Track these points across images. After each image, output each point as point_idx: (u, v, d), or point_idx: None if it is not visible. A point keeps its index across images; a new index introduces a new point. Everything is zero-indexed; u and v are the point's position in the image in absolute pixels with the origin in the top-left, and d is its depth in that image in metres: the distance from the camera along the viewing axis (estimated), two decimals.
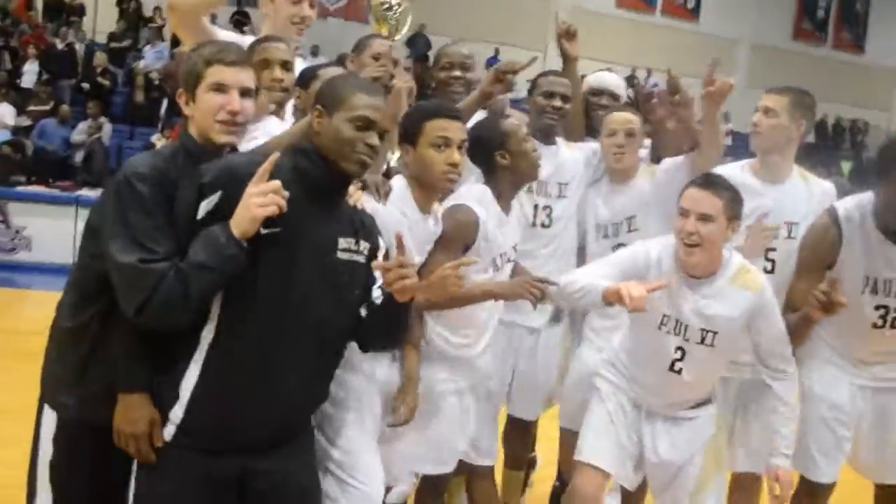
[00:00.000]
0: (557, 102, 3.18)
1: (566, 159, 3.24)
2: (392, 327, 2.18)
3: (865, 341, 2.82)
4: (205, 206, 1.89)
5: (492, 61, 16.27)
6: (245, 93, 2.03)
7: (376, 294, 2.15)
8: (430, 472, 2.74)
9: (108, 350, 1.99)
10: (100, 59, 13.19)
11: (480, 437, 2.89)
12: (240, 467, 1.98)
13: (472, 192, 2.72)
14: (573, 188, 3.22)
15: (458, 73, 3.19)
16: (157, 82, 13.16)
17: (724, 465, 2.87)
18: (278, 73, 2.58)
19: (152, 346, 1.94)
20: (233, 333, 1.93)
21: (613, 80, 3.64)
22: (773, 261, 2.95)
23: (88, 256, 2.05)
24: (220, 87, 2.00)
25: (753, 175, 3.01)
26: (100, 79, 12.94)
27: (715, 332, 2.63)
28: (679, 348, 2.66)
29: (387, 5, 3.02)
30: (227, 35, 2.83)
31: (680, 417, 2.78)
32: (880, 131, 19.18)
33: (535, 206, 3.16)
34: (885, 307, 2.74)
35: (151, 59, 13.76)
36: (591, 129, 3.49)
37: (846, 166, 18.39)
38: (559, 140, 3.28)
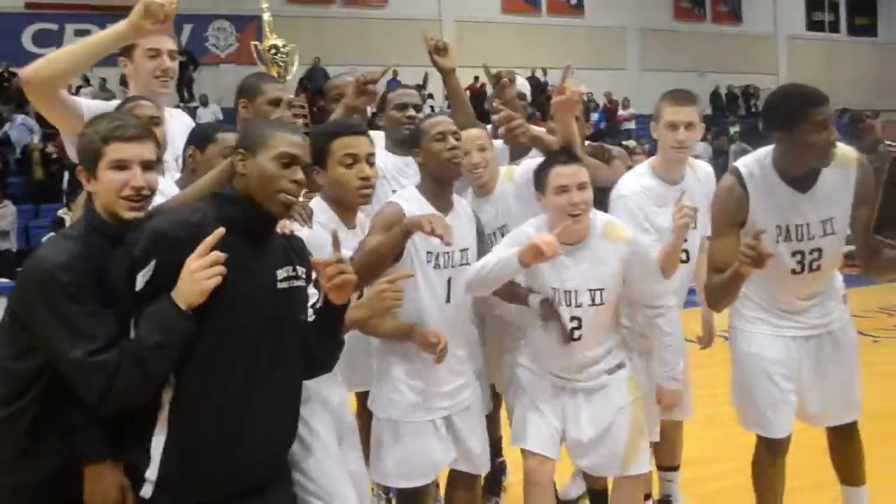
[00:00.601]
0: (411, 112, 3.27)
1: None
2: (328, 343, 2.19)
3: (788, 289, 2.90)
4: (142, 278, 1.88)
5: (393, 83, 16.40)
6: (147, 166, 2.01)
7: (309, 313, 2.19)
8: (402, 486, 2.75)
9: (47, 438, 1.94)
10: None
11: (470, 448, 2.87)
12: None
13: (401, 193, 2.81)
14: None
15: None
16: (54, 156, 12.82)
17: (647, 430, 2.94)
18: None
19: (113, 414, 1.91)
20: (192, 390, 1.93)
21: (519, 81, 3.66)
22: (686, 251, 3.15)
23: (11, 359, 1.97)
24: (121, 165, 1.97)
25: (658, 178, 3.19)
26: None
27: (602, 289, 2.79)
28: (574, 318, 2.80)
29: (274, 49, 3.05)
30: (92, 105, 2.73)
31: (597, 385, 2.87)
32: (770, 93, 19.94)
33: None
34: (801, 252, 2.82)
35: (17, 133, 13.47)
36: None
37: (734, 130, 19.16)
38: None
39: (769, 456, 2.96)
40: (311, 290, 2.21)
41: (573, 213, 2.71)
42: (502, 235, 3.04)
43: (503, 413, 3.46)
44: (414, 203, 2.69)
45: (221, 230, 1.87)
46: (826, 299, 2.96)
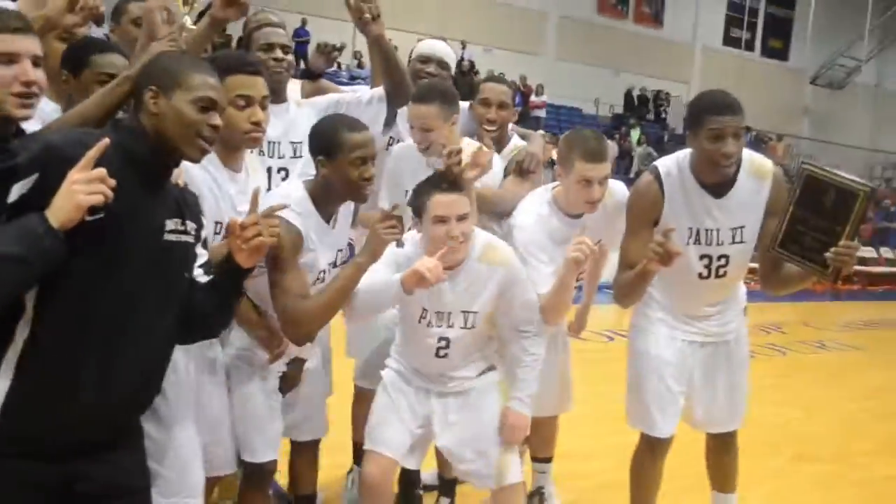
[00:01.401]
0: (278, 53, 2.95)
1: (298, 117, 3.02)
2: (223, 308, 2.07)
3: (693, 293, 2.91)
4: (18, 189, 1.69)
5: (301, 32, 15.93)
6: (36, 62, 1.87)
7: (198, 272, 2.03)
8: (256, 460, 2.61)
9: None
10: None
11: (308, 414, 2.82)
12: (68, 472, 1.81)
13: (290, 197, 2.51)
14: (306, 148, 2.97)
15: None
16: None
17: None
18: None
19: None
20: (52, 330, 1.75)
21: (444, 49, 3.52)
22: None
23: None
24: (9, 59, 1.82)
25: (560, 213, 2.96)
26: None
27: (475, 312, 2.72)
28: (442, 338, 2.74)
29: None
30: None
31: (464, 391, 2.83)
32: (680, 102, 20.56)
33: (269, 169, 2.92)
34: (709, 256, 2.83)
35: None
36: None
37: (635, 134, 19.65)
38: (290, 98, 3.09)
39: (650, 455, 2.99)
40: (200, 250, 2.05)
41: (451, 245, 2.58)
42: None
43: None
44: (307, 217, 2.48)
45: (106, 141, 1.69)
46: (727, 309, 2.99)
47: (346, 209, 2.65)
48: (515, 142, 3.38)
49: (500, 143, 3.28)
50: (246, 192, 2.38)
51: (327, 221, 2.55)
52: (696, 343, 2.96)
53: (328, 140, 2.47)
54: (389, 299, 2.61)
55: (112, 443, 1.89)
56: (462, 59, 18.04)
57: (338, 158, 2.44)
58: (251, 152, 2.68)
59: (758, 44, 26.27)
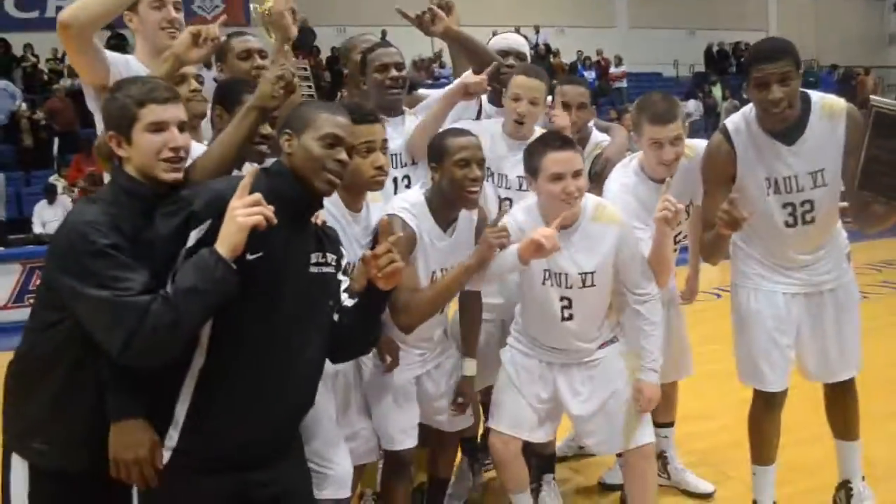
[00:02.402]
0: (393, 73, 3.10)
1: (411, 127, 3.18)
2: (369, 328, 2.25)
3: (784, 243, 2.90)
4: (195, 235, 1.90)
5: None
6: (181, 127, 2.03)
7: (343, 297, 2.23)
8: (393, 449, 2.83)
9: (77, 398, 1.94)
10: None
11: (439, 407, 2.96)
12: (239, 481, 2.03)
13: (406, 201, 2.76)
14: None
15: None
16: (43, 122, 12.70)
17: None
18: (195, 84, 2.62)
19: (140, 372, 1.91)
20: (223, 357, 1.96)
21: (518, 41, 3.59)
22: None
23: (43, 324, 1.97)
24: (158, 127, 1.97)
25: (647, 179, 3.03)
26: None
27: (593, 272, 2.77)
28: (563, 297, 2.80)
29: (268, 12, 2.99)
30: (115, 56, 2.76)
31: (591, 361, 2.90)
32: None
33: (395, 180, 3.10)
34: (791, 204, 2.82)
35: (3, 101, 13.23)
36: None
37: (717, 91, 19.03)
38: (406, 110, 3.24)
39: (765, 410, 3.01)
40: (342, 277, 2.26)
41: (566, 200, 2.68)
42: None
43: None
44: (421, 220, 2.70)
45: (256, 167, 1.90)
46: (826, 256, 2.95)
47: (469, 223, 2.79)
48: (596, 138, 3.44)
49: (581, 142, 3.29)
50: (368, 227, 2.66)
51: (444, 229, 2.73)
52: (799, 294, 2.95)
53: (437, 147, 2.69)
54: (507, 270, 2.72)
55: (278, 452, 2.11)
56: (537, 43, 18.03)
57: (445, 162, 2.65)
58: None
59: None
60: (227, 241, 1.85)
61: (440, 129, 2.98)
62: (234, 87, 2.55)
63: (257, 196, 1.87)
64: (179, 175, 2.03)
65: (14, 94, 13.34)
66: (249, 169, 2.24)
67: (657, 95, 3.03)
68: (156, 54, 2.81)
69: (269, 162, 2.27)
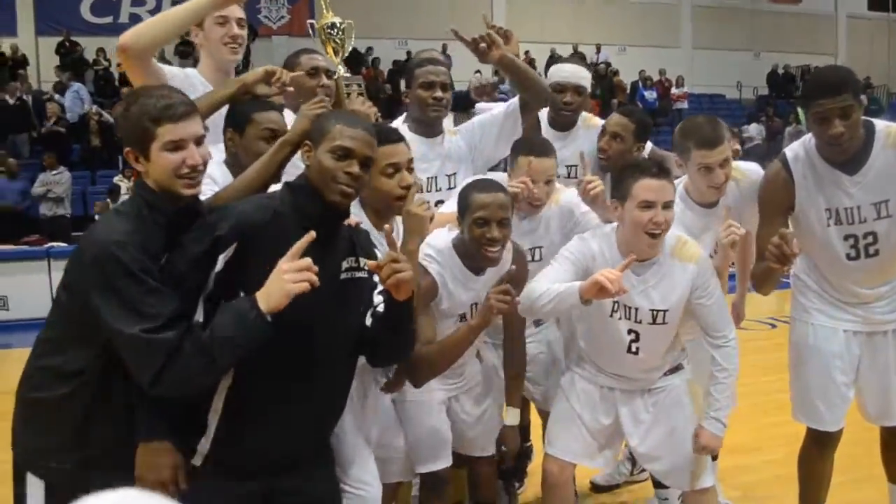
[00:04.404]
0: (438, 93, 3.05)
1: (453, 148, 3.14)
2: (398, 334, 2.18)
3: (845, 276, 2.81)
4: (223, 258, 1.92)
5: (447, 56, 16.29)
6: (199, 141, 1.98)
7: (377, 300, 2.19)
8: (427, 470, 2.81)
9: (105, 415, 1.93)
10: (52, 108, 13.07)
11: (486, 431, 2.94)
12: (268, 487, 2.07)
13: (433, 247, 2.67)
14: (461, 177, 3.11)
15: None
16: (111, 124, 13.10)
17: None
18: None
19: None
20: (252, 371, 1.97)
21: (577, 73, 3.48)
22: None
23: (67, 339, 1.95)
24: (176, 146, 1.93)
25: (693, 204, 2.97)
26: (56, 127, 12.83)
27: (665, 311, 2.68)
28: (632, 331, 2.71)
29: (331, 27, 3.02)
30: (174, 71, 2.81)
31: (654, 389, 2.82)
32: None
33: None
34: (854, 236, 2.74)
35: (70, 101, 13.68)
36: (563, 124, 3.49)
37: (802, 113, 18.59)
38: (446, 130, 3.18)
39: (818, 449, 2.93)
40: (377, 279, 2.20)
41: (652, 233, 2.58)
42: (535, 258, 3.00)
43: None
44: (446, 266, 2.63)
45: (312, 234, 1.89)
46: (893, 293, 2.84)
47: (505, 261, 2.67)
48: None
49: None
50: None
51: (475, 272, 2.65)
52: (861, 333, 2.85)
53: (462, 198, 2.62)
54: (566, 308, 2.64)
55: (307, 460, 2.13)
56: (597, 62, 17.93)
57: (466, 217, 2.58)
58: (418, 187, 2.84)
59: None
60: (270, 300, 1.85)
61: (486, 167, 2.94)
62: (244, 109, 2.51)
63: (307, 262, 1.86)
64: (197, 190, 2.01)
65: (84, 97, 13.79)
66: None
67: (702, 119, 2.97)
68: (218, 69, 2.87)
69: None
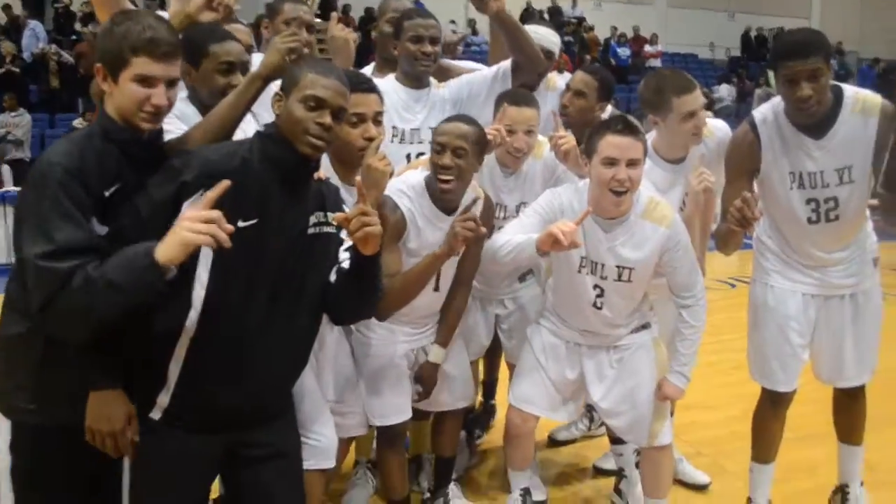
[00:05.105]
0: (427, 47, 3.01)
1: (437, 101, 3.11)
2: (363, 291, 2.13)
3: (806, 239, 2.83)
4: (187, 205, 1.85)
5: (418, 5, 16.02)
6: (172, 83, 1.92)
7: (343, 256, 2.14)
8: (383, 424, 2.82)
9: (62, 352, 1.88)
10: (6, 47, 12.62)
11: (454, 384, 2.95)
12: (230, 441, 2.04)
13: (405, 183, 2.67)
14: None
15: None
16: (70, 64, 12.72)
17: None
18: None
19: (123, 339, 1.87)
20: (216, 320, 1.93)
21: (546, 36, 3.41)
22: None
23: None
24: (146, 81, 1.86)
25: (661, 161, 2.96)
26: (10, 67, 12.42)
27: (631, 269, 2.69)
28: (597, 286, 2.73)
29: None
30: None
31: (620, 346, 2.84)
32: None
33: (408, 156, 3.04)
34: (815, 200, 2.74)
35: (26, 40, 13.18)
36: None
37: (772, 76, 18.64)
38: (433, 82, 3.14)
39: (771, 408, 2.97)
40: (345, 235, 2.15)
41: (616, 190, 2.56)
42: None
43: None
44: (417, 202, 2.62)
45: (226, 183, 1.78)
46: (850, 259, 2.86)
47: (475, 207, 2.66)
48: None
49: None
50: None
51: (446, 213, 2.64)
52: (819, 297, 2.88)
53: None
54: (524, 259, 2.66)
55: (270, 414, 2.11)
56: (570, 19, 17.78)
57: (433, 148, 2.58)
58: (390, 141, 2.84)
59: None
60: (166, 251, 1.72)
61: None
62: (199, 40, 2.37)
63: (212, 214, 1.72)
64: (157, 125, 1.95)
65: (40, 36, 13.30)
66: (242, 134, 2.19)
67: (667, 70, 3.02)
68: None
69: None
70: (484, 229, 2.56)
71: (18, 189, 9.18)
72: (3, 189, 9.36)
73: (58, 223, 1.75)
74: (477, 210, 2.62)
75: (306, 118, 1.97)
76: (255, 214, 1.92)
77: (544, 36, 3.39)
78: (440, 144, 2.57)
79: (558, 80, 3.49)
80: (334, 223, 2.10)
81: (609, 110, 3.31)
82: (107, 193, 1.87)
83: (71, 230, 1.76)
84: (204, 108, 2.28)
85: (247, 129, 2.26)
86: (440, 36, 3.10)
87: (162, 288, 1.75)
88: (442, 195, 2.61)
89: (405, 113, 3.07)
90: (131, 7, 2.48)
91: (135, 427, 1.92)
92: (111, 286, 1.71)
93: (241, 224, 1.88)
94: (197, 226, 1.70)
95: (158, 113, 1.91)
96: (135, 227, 1.84)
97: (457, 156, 2.56)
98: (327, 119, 1.99)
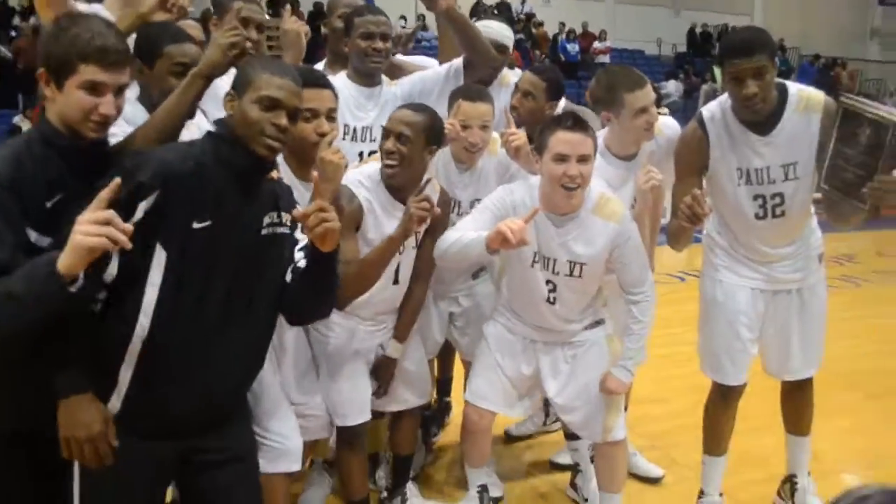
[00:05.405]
0: (378, 44, 3.00)
1: (389, 98, 3.09)
2: (320, 290, 2.11)
3: (753, 235, 2.87)
4: (143, 207, 1.81)
5: (369, 1, 15.94)
6: (119, 91, 1.86)
7: (298, 256, 2.11)
8: (345, 425, 2.79)
9: (32, 370, 1.80)
10: None
11: (411, 381, 2.95)
12: (184, 447, 2.00)
13: (362, 173, 2.68)
14: None
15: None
16: (8, 59, 12.36)
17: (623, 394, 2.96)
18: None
19: (84, 344, 1.82)
20: (167, 325, 1.89)
21: (500, 31, 3.37)
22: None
23: None
24: (95, 88, 1.80)
25: (613, 158, 2.98)
26: None
27: (583, 264, 2.71)
28: (549, 281, 2.75)
29: None
30: (80, 8, 2.59)
31: (574, 342, 2.86)
32: None
33: (360, 154, 3.02)
34: (762, 196, 2.79)
35: None
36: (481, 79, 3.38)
37: (718, 72, 18.97)
38: (384, 80, 3.13)
39: (722, 401, 3.02)
40: (299, 235, 2.13)
41: (567, 186, 2.58)
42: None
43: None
44: (373, 192, 2.63)
45: (117, 181, 1.67)
46: (796, 255, 2.92)
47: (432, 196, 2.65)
48: None
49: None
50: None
51: (401, 201, 2.62)
52: (767, 291, 2.93)
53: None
54: (474, 256, 2.65)
55: (223, 419, 2.06)
56: (519, 15, 17.85)
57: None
58: (342, 139, 2.81)
59: None
60: (65, 259, 1.61)
61: None
62: (153, 38, 2.35)
63: (108, 214, 1.61)
64: (104, 135, 1.90)
65: None
66: (189, 133, 2.15)
67: (617, 67, 3.07)
68: (125, 6, 2.62)
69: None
70: (438, 209, 2.56)
71: None
72: None
73: None
74: (432, 193, 2.62)
75: (262, 119, 1.94)
76: (210, 216, 1.89)
77: (497, 31, 3.37)
78: (385, 130, 2.60)
79: (511, 77, 3.49)
80: (288, 223, 2.07)
81: (562, 104, 3.33)
82: (48, 204, 1.80)
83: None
84: (153, 109, 2.22)
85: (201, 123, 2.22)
86: (391, 32, 3.08)
87: (65, 300, 1.64)
88: (387, 180, 2.61)
89: (357, 111, 3.05)
90: (76, 8, 2.39)
91: (112, 430, 1.86)
92: (11, 298, 1.62)
93: (195, 225, 1.85)
94: (90, 228, 1.59)
95: (106, 122, 1.85)
96: (50, 224, 1.77)
97: (400, 142, 2.57)
98: (283, 120, 1.96)
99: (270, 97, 1.94)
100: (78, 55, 1.77)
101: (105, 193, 1.63)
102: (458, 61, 3.13)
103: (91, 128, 1.83)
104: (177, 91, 2.10)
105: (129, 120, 2.21)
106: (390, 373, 2.85)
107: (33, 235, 1.77)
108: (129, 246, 1.63)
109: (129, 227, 1.64)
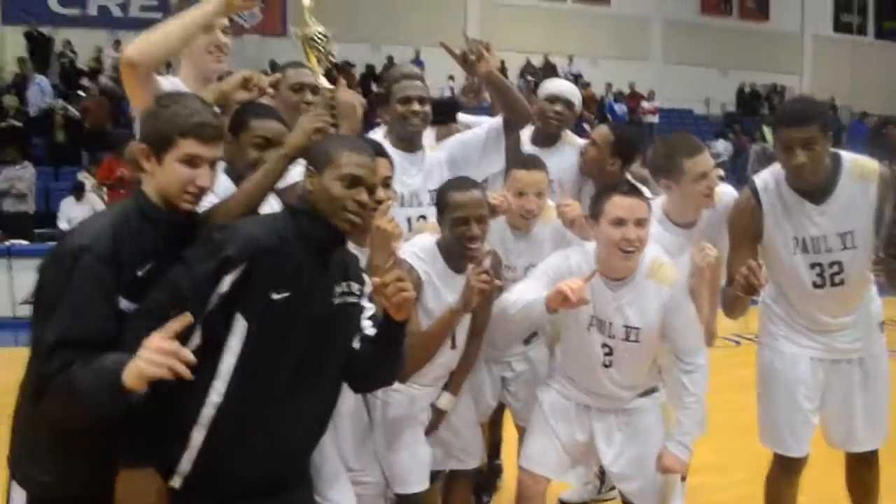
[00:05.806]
0: (415, 107, 3.06)
1: (433, 163, 3.16)
2: (388, 357, 2.17)
3: (811, 304, 2.86)
4: (230, 279, 1.89)
5: (417, 63, 16.35)
6: (214, 165, 1.99)
7: (366, 324, 2.18)
8: (404, 493, 2.79)
9: (77, 434, 1.87)
10: (9, 101, 12.79)
11: (464, 443, 2.96)
12: None
13: (417, 246, 2.73)
14: None
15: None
16: (76, 119, 12.87)
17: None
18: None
19: (152, 419, 1.88)
20: (241, 392, 1.95)
21: (570, 90, 3.56)
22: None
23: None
24: (192, 161, 1.92)
25: (671, 225, 3.01)
26: (12, 121, 12.55)
27: (637, 329, 2.71)
28: (605, 345, 2.75)
29: (319, 36, 2.94)
30: (162, 82, 2.70)
31: (629, 409, 2.86)
32: (794, 94, 19.74)
33: (409, 220, 3.06)
34: (819, 265, 2.78)
35: (33, 94, 13.36)
36: (548, 136, 3.54)
37: (769, 132, 18.88)
38: (425, 146, 3.20)
39: (784, 474, 2.96)
40: (366, 303, 2.20)
41: (625, 250, 2.62)
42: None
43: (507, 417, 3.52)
44: (430, 264, 2.69)
45: (188, 318, 1.77)
46: (856, 323, 2.90)
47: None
48: None
49: None
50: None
51: (458, 270, 2.69)
52: (826, 361, 2.90)
53: (440, 197, 2.69)
54: (534, 317, 2.70)
55: (288, 484, 2.10)
56: (567, 76, 18.05)
57: (445, 215, 2.64)
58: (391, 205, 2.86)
59: (871, 27, 24.82)
60: (129, 377, 1.71)
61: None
62: (242, 114, 2.46)
63: (174, 347, 1.70)
64: (196, 207, 2.00)
65: (45, 90, 13.45)
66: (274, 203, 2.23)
67: (675, 134, 3.08)
68: (200, 78, 2.78)
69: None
70: (498, 281, 2.62)
71: (24, 242, 9.26)
72: (10, 242, 9.37)
73: (77, 312, 1.77)
74: (488, 264, 2.67)
75: (344, 196, 2.01)
76: (288, 288, 1.96)
77: (567, 89, 3.55)
78: (462, 218, 2.61)
79: (577, 138, 3.61)
80: (357, 292, 2.14)
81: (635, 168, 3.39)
82: (140, 273, 1.89)
83: (89, 322, 1.78)
84: (239, 180, 2.32)
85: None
86: (428, 95, 3.16)
87: (122, 408, 1.74)
88: (470, 260, 2.67)
89: (403, 176, 3.07)
90: (168, 90, 2.48)
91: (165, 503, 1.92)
92: (76, 392, 1.73)
93: (274, 297, 1.93)
94: (156, 357, 1.69)
95: (201, 194, 1.97)
96: (174, 303, 1.84)
97: (480, 223, 2.64)
98: (364, 196, 2.04)
99: (353, 175, 2.02)
100: (178, 130, 1.90)
101: (175, 324, 1.73)
102: (497, 121, 3.20)
103: (187, 199, 1.95)
104: (261, 170, 2.19)
105: (216, 192, 2.27)
106: (439, 423, 2.87)
107: (123, 303, 1.87)
108: (190, 377, 1.71)
109: (191, 357, 1.71)
